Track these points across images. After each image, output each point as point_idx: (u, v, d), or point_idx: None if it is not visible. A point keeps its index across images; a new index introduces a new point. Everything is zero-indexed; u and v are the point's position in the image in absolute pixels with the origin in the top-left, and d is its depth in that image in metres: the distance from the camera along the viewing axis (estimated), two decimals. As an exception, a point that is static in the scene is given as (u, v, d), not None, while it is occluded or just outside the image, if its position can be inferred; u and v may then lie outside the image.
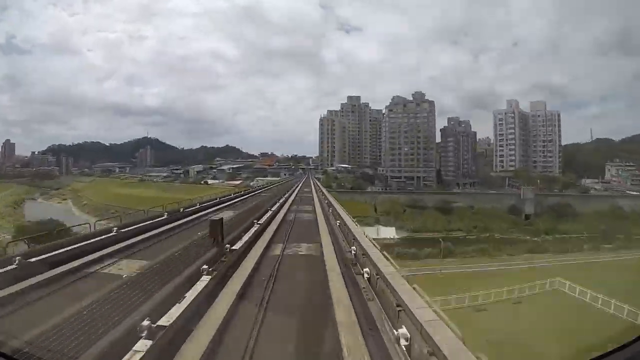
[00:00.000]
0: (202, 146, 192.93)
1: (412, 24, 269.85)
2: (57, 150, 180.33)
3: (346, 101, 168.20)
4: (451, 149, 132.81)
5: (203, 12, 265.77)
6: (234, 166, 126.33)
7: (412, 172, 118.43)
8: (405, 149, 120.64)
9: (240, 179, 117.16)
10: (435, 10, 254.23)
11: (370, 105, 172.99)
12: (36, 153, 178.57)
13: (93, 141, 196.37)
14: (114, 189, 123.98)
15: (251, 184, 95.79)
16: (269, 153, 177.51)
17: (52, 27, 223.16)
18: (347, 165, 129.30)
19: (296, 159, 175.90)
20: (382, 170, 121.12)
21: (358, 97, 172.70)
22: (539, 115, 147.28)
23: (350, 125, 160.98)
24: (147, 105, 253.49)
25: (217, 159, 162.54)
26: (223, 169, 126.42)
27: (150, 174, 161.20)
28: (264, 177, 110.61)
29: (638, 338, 1.85)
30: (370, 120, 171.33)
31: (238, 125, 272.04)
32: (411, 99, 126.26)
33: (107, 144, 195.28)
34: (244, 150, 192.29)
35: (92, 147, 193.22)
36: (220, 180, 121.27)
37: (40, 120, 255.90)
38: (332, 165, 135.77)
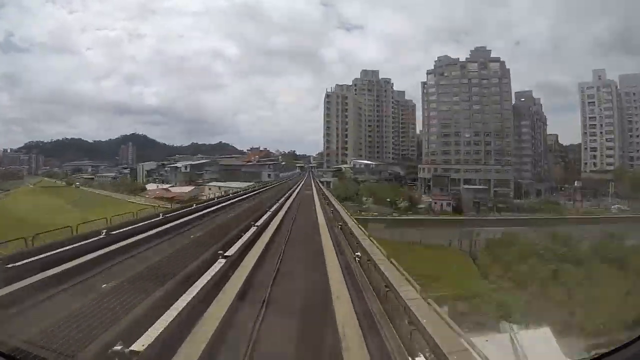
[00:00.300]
0: (193, 143, 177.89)
1: (414, 23, 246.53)
2: (33, 148, 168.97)
3: (359, 76, 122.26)
4: (527, 139, 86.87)
5: (203, 11, 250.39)
6: (194, 163, 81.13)
7: (476, 174, 72.90)
8: (467, 136, 75.39)
9: (198, 182, 71.68)
10: (436, 9, 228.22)
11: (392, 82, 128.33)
12: (9, 151, 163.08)
13: (74, 138, 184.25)
14: (20, 197, 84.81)
15: (209, 191, 51.08)
16: (259, 147, 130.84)
17: (51, 25, 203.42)
18: (369, 162, 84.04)
19: (294, 156, 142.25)
20: (429, 171, 75.09)
21: (376, 72, 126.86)
22: (633, 93, 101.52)
23: (366, 107, 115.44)
24: (147, 105, 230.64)
25: (203, 154, 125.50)
26: (177, 167, 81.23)
27: (103, 174, 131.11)
28: (234, 180, 65.13)
29: (638, 338, 1.76)
30: (392, 102, 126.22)
31: (238, 125, 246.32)
32: (468, 57, 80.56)
33: (91, 141, 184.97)
34: (238, 148, 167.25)
35: (73, 144, 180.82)
36: (170, 185, 75.93)
37: (38, 119, 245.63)
38: (342, 161, 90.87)
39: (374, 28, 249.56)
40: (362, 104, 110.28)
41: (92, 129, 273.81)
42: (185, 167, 79.13)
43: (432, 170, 73.78)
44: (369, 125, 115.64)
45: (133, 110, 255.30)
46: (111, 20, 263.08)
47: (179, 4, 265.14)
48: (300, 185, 44.93)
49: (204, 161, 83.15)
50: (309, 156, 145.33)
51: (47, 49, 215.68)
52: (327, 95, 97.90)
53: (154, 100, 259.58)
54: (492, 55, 77.66)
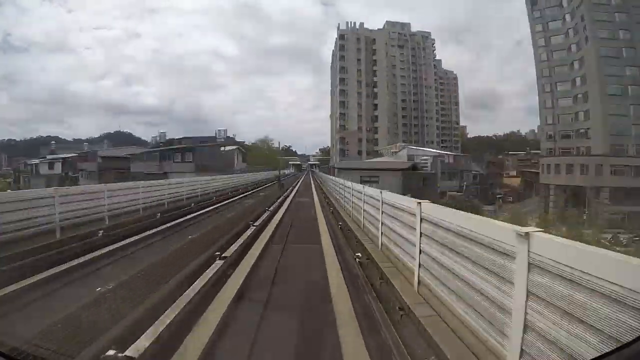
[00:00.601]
0: (177, 139, 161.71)
1: (414, 23, 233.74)
2: (5, 147, 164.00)
3: (383, 27, 79.73)
4: None
5: (202, 10, 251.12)
6: (68, 156, 39.97)
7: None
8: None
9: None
10: (437, 9, 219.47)
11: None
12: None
13: (50, 135, 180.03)
14: None
15: None
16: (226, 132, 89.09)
17: (48, 24, 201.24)
18: (438, 151, 42.50)
19: (288, 152, 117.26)
20: (586, 171, 33.50)
21: (407, 25, 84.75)
22: None
23: (398, 69, 73.72)
24: (145, 105, 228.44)
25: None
26: (36, 164, 39.94)
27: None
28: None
29: (638, 338, 1.69)
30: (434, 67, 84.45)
31: (237, 126, 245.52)
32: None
33: (70, 139, 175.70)
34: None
35: (49, 142, 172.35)
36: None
37: (36, 120, 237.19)
38: (370, 152, 49.71)
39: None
40: (397, 64, 68.71)
41: (90, 131, 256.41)
42: (51, 164, 37.86)
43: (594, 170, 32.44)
44: (403, 100, 74.19)
45: (131, 110, 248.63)
46: (110, 20, 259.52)
47: (178, 3, 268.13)
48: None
49: (82, 152, 41.41)
50: (309, 156, 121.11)
51: (45, 49, 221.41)
52: (341, 36, 55.92)
53: (153, 100, 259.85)
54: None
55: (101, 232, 7.56)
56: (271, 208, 12.68)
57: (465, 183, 34.52)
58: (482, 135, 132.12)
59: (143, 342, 3.02)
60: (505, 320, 2.56)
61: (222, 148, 32.84)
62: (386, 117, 56.03)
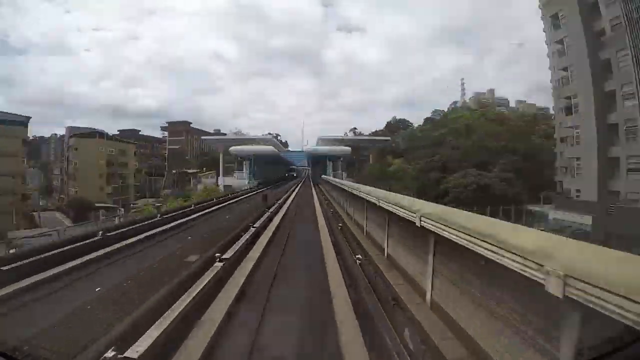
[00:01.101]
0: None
1: (414, 24, 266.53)
2: None
3: None
4: None
5: (202, 12, 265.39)
6: None
7: None
8: None
9: None
10: (437, 10, 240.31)
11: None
12: None
13: None
14: None
15: None
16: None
17: (47, 25, 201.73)
18: None
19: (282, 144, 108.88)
20: None
21: None
22: None
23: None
24: (145, 108, 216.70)
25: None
26: None
27: None
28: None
29: (638, 338, 1.72)
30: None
31: (238, 129, 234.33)
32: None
33: (31, 137, 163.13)
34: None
35: None
36: None
37: (34, 122, 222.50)
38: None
39: (374, 30, 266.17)
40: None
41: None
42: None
43: None
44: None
45: (130, 113, 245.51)
46: (109, 21, 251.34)
47: (178, 5, 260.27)
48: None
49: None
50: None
51: (44, 50, 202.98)
52: None
53: (152, 102, 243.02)
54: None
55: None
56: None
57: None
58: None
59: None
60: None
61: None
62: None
